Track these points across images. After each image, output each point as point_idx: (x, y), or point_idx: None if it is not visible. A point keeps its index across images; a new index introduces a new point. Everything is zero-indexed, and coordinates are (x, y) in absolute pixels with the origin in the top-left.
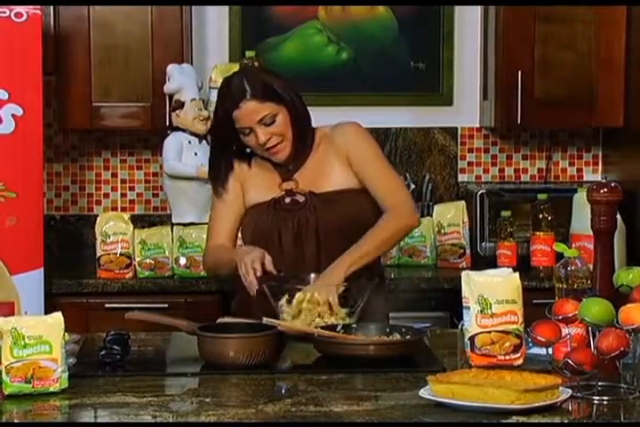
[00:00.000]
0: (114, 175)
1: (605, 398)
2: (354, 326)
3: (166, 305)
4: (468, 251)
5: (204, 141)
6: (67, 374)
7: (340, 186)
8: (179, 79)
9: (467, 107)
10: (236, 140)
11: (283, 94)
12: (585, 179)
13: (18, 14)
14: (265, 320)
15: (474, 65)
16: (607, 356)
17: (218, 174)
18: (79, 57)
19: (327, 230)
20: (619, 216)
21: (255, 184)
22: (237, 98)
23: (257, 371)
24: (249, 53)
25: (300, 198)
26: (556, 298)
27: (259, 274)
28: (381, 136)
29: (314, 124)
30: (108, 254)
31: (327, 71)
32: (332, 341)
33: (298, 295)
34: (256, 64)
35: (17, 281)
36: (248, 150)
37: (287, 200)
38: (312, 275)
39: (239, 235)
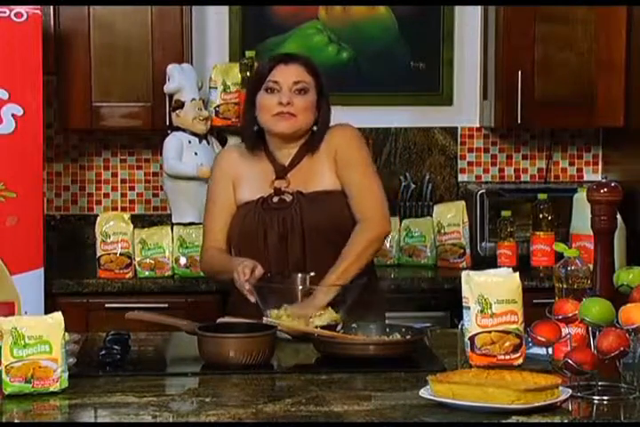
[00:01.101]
0: (114, 175)
1: (605, 397)
2: (354, 325)
3: (166, 305)
4: (468, 251)
5: (204, 141)
6: (67, 373)
7: (328, 187)
8: (179, 79)
9: (467, 107)
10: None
11: (323, 84)
12: (585, 179)
13: (18, 14)
14: (265, 320)
15: (474, 65)
16: (607, 356)
17: (250, 138)
18: (79, 57)
19: (312, 230)
20: (619, 216)
21: (248, 182)
22: (290, 57)
23: (257, 371)
24: (249, 53)
25: (288, 198)
26: (556, 298)
27: (247, 277)
28: (381, 136)
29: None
30: (109, 254)
31: (327, 71)
32: (332, 341)
33: (274, 313)
34: (255, 64)
35: (17, 281)
36: (255, 128)
37: (275, 199)
38: (299, 275)
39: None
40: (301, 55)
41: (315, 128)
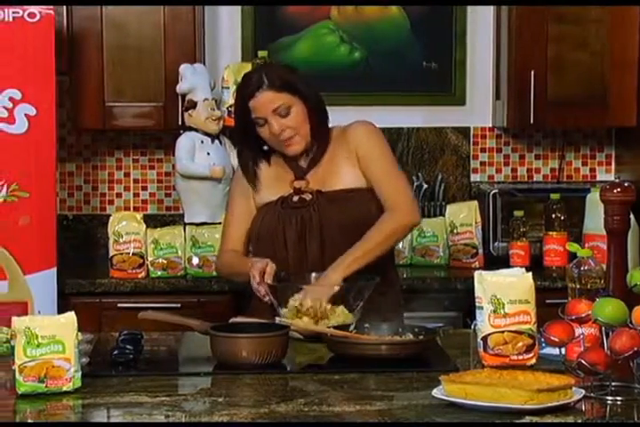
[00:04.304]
0: (126, 175)
1: (619, 398)
2: (366, 325)
3: (179, 305)
4: (480, 251)
5: (216, 141)
6: (80, 373)
7: (348, 185)
8: (191, 79)
9: (479, 107)
10: (254, 132)
11: (300, 87)
12: (598, 179)
13: (31, 14)
14: (278, 320)
15: (486, 65)
16: (620, 356)
17: (247, 169)
18: (92, 57)
19: (331, 229)
20: (632, 216)
21: (267, 184)
22: (254, 88)
23: (269, 371)
24: (261, 53)
25: (307, 197)
26: (569, 298)
27: (257, 280)
28: (394, 136)
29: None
30: (121, 254)
31: (339, 71)
32: (344, 341)
33: (289, 304)
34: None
35: (30, 281)
36: (265, 148)
37: (295, 199)
38: (313, 274)
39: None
40: (259, 73)
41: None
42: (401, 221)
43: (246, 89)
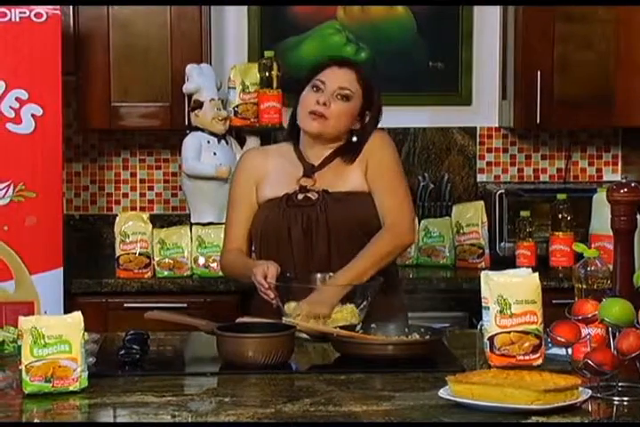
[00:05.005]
0: (133, 175)
1: (625, 398)
2: (373, 325)
3: (185, 305)
4: (486, 251)
5: (222, 141)
6: (86, 373)
7: (355, 188)
8: (197, 79)
9: (486, 107)
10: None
11: (373, 97)
12: (604, 179)
13: (38, 14)
14: (284, 320)
15: (493, 65)
16: (627, 356)
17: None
18: (99, 57)
19: (338, 229)
20: (639, 216)
21: (272, 179)
22: (344, 62)
23: (276, 371)
24: (268, 53)
25: (313, 196)
26: (576, 298)
27: (265, 286)
28: (400, 136)
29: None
30: (127, 254)
31: None
32: (350, 341)
33: (293, 309)
34: (274, 64)
35: (37, 281)
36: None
37: (300, 197)
38: (318, 275)
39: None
40: (357, 63)
41: (354, 138)
42: (398, 244)
43: (337, 57)
